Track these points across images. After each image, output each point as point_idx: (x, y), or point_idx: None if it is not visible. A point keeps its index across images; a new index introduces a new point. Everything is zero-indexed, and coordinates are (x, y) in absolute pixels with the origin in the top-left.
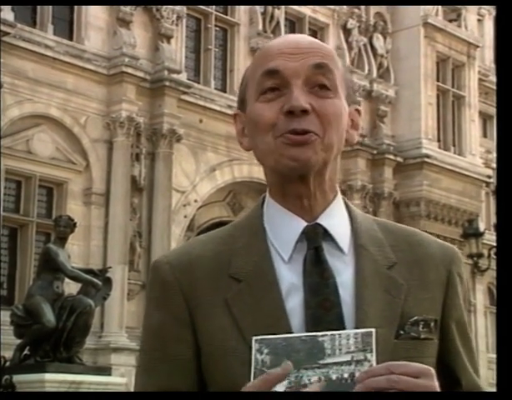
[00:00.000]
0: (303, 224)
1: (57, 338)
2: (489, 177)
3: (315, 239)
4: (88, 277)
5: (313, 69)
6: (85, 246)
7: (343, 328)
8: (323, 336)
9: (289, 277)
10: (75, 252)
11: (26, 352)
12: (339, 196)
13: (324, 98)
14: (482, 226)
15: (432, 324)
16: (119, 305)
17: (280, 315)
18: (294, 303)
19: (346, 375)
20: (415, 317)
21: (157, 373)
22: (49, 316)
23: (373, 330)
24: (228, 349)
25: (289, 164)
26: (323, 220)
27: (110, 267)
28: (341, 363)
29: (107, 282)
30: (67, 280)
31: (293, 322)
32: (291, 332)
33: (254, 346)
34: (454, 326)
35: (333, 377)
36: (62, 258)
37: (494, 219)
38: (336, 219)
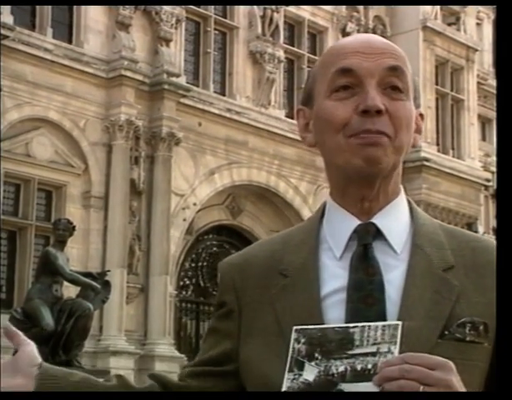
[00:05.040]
0: (356, 223)
1: (56, 341)
2: (488, 180)
3: (365, 237)
4: (87, 280)
5: (388, 71)
6: (84, 249)
7: None
8: (353, 327)
9: (340, 274)
10: (74, 256)
11: None
12: (402, 197)
13: (397, 100)
14: (481, 229)
15: (481, 327)
16: (118, 308)
17: (315, 312)
18: (339, 298)
19: (370, 366)
20: (463, 319)
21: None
22: (48, 319)
23: (399, 323)
24: (267, 343)
25: (360, 163)
26: (377, 219)
27: (109, 271)
28: (367, 354)
29: (106, 285)
30: (66, 283)
31: (332, 315)
32: None
33: (293, 335)
34: None
35: (358, 367)
36: (61, 262)
37: (492, 223)
38: (392, 218)
